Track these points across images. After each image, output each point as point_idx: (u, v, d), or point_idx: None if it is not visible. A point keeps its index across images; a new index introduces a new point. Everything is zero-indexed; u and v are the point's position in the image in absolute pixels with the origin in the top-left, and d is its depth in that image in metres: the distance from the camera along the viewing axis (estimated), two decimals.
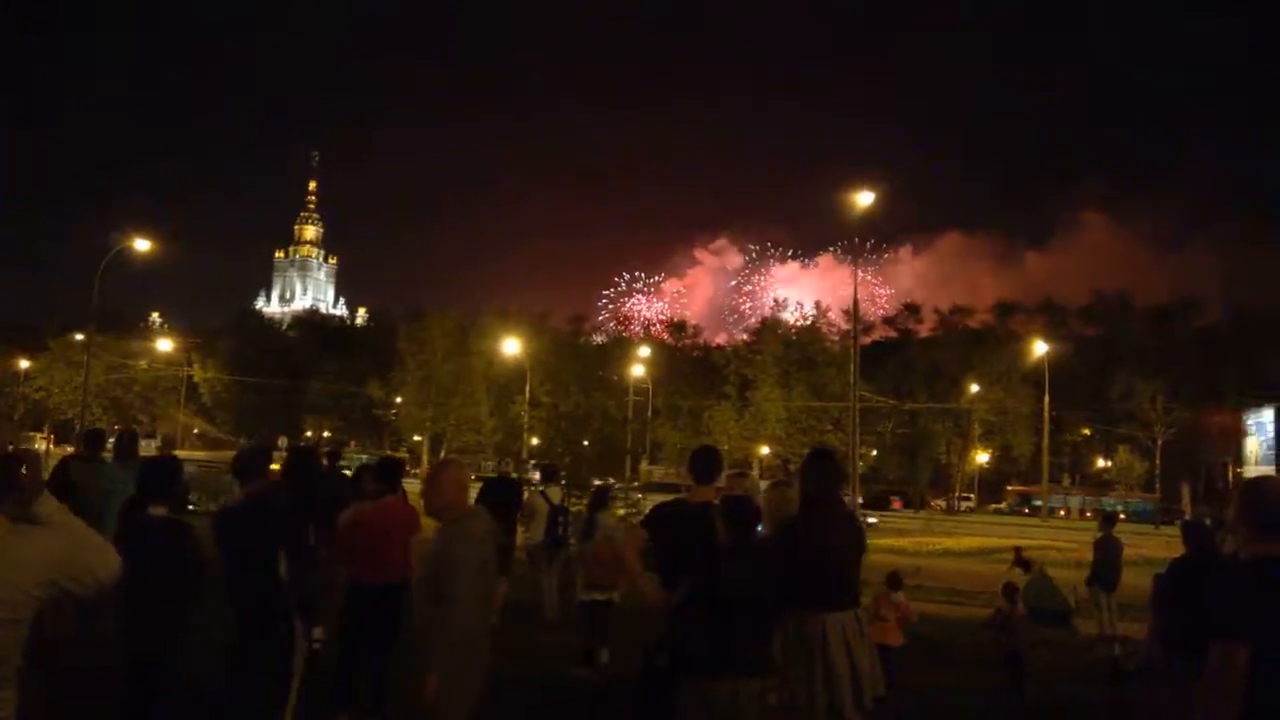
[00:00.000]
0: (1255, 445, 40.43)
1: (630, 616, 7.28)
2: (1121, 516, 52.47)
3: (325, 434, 72.49)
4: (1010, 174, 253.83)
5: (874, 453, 65.64)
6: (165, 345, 71.79)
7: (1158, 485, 60.92)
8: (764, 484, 5.79)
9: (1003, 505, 64.29)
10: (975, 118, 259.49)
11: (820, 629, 4.22)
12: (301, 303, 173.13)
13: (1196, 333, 70.12)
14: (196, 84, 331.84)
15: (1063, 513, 58.43)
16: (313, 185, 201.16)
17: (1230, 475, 56.27)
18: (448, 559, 3.94)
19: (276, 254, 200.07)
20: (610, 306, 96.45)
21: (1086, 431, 66.78)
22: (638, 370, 56.94)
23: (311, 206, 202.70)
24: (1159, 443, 60.62)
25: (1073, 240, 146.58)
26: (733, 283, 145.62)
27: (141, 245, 35.41)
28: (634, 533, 5.32)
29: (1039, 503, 60.69)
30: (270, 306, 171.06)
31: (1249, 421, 41.72)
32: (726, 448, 49.85)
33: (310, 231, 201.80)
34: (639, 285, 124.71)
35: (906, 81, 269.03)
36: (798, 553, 4.32)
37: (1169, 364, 62.33)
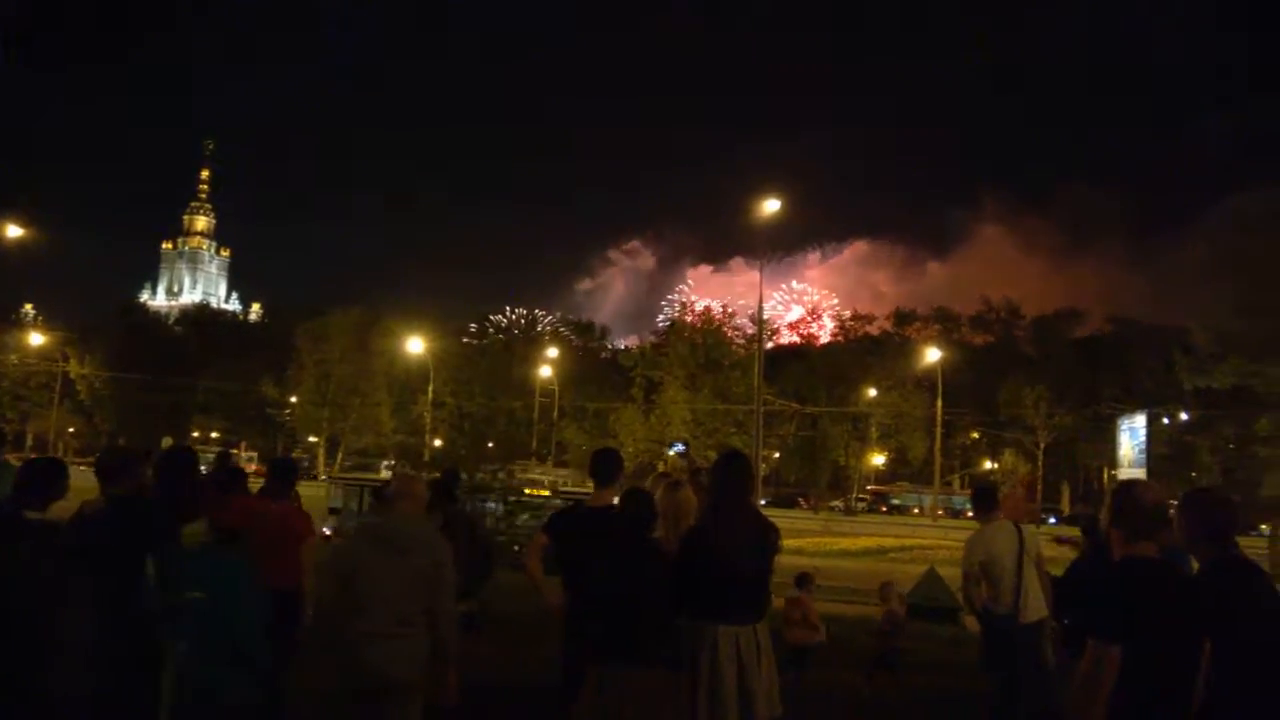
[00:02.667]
0: (1129, 449, 42.77)
1: (538, 621, 7.21)
2: (969, 514, 54.91)
3: (214, 434, 69.61)
4: (918, 184, 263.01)
5: (776, 455, 66.96)
6: (38, 339, 67.67)
7: (1039, 485, 63.99)
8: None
9: (853, 503, 64.57)
10: (887, 129, 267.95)
11: (711, 641, 4.05)
12: (191, 297, 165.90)
13: (1077, 342, 74.15)
14: (82, 63, 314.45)
15: (916, 510, 60.74)
16: (205, 174, 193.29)
17: (1105, 477, 59.57)
18: None
19: (164, 245, 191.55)
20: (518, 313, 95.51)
21: (975, 435, 69.61)
22: (545, 371, 56.60)
23: (203, 196, 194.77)
24: (1042, 445, 63.70)
25: (971, 251, 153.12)
26: (645, 285, 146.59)
27: (13, 232, 33.39)
28: (536, 538, 5.27)
29: (896, 501, 63.31)
30: (157, 300, 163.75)
31: (1123, 427, 44.13)
32: (631, 449, 50.04)
33: (201, 222, 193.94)
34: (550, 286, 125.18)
35: (822, 91, 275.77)
36: (699, 558, 4.17)
37: (1051, 371, 65.63)
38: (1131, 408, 46.79)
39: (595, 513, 4.88)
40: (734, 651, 4.05)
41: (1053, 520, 44.74)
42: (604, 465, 5.06)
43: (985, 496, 6.53)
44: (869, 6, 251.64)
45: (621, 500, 4.50)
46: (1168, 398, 44.71)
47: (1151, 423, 42.19)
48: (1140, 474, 39.75)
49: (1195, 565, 3.27)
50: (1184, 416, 45.22)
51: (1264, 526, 33.96)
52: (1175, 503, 3.32)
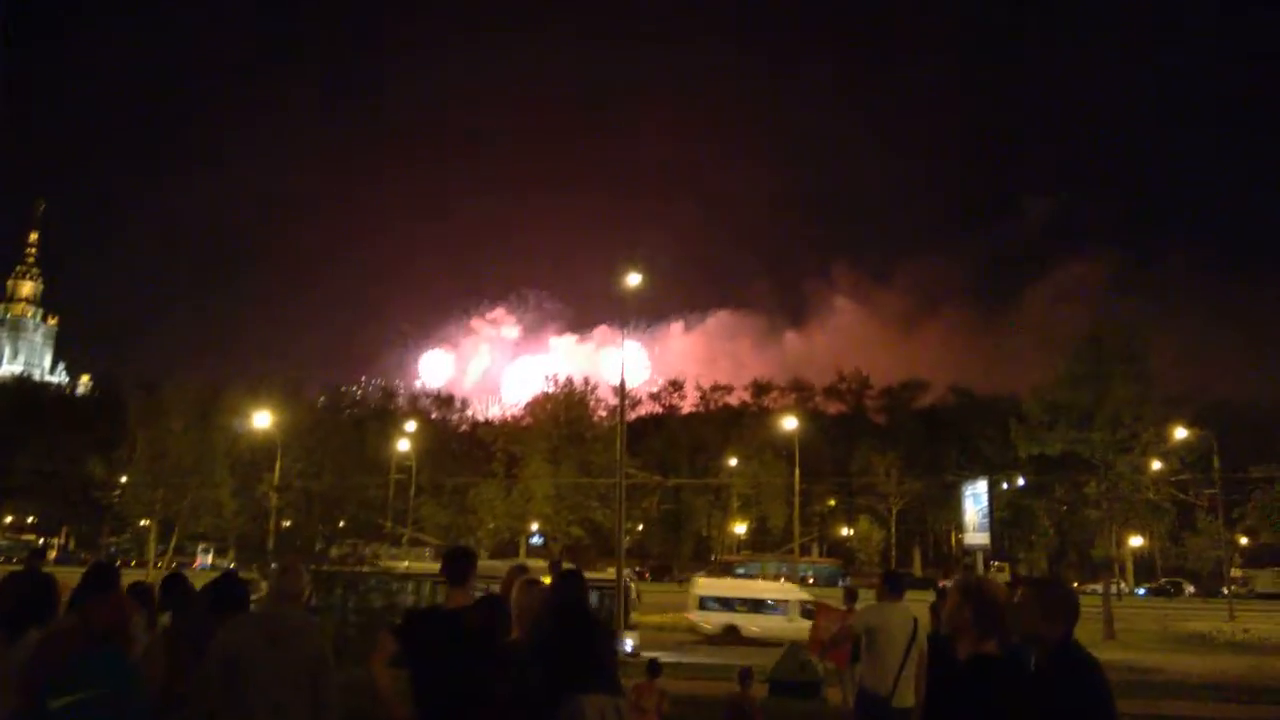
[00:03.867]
0: (973, 514, 44.97)
1: None
2: (810, 581, 56.15)
3: (30, 519, 63.54)
4: (778, 255, 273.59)
5: (640, 527, 66.86)
6: None
7: (892, 550, 66.45)
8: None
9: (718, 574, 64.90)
10: (750, 197, 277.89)
11: (580, 710, 4.25)
12: (11, 368, 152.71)
13: (923, 411, 78.26)
14: None
15: (759, 579, 61.63)
16: (34, 236, 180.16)
17: (953, 541, 62.50)
18: None
19: None
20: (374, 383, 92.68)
21: (832, 502, 71.84)
22: (402, 445, 54.77)
23: (30, 260, 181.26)
24: (894, 511, 66.34)
25: (826, 322, 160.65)
26: (508, 355, 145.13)
27: None
28: (383, 641, 4.95)
29: (741, 570, 64.33)
30: None
31: (967, 492, 46.44)
32: (492, 526, 48.84)
33: (27, 287, 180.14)
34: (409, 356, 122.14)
35: (682, 158, 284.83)
36: (554, 637, 4.47)
37: (900, 439, 68.85)
38: (974, 474, 49.49)
39: (449, 616, 4.63)
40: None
41: None
42: (456, 565, 4.83)
43: (895, 580, 6.99)
44: (732, 83, 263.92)
45: (475, 607, 4.41)
46: (1006, 464, 47.61)
47: (992, 488, 44.59)
48: (984, 538, 41.80)
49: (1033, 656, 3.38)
50: (1021, 481, 47.99)
51: (1079, 583, 36.16)
52: (1003, 565, 3.45)
